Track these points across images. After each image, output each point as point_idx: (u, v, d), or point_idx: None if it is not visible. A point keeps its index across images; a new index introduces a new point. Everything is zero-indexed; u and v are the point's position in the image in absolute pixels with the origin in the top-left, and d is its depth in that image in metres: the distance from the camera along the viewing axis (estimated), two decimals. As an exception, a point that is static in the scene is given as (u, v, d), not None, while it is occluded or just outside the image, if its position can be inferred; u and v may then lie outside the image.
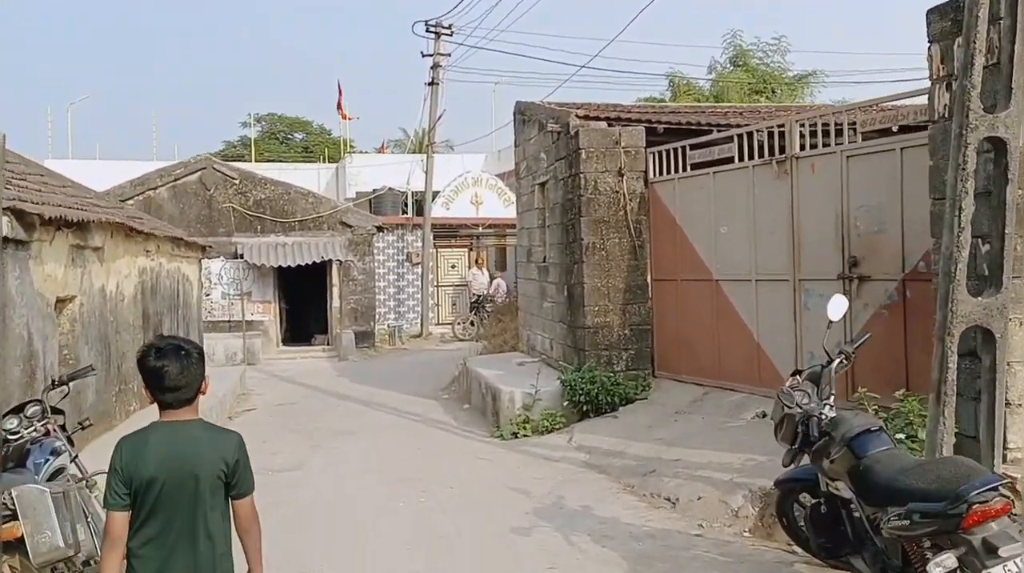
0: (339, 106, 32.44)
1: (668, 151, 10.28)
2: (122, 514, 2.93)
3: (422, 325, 22.94)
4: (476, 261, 24.04)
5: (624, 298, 10.47)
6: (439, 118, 23.66)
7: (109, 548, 2.95)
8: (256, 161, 35.30)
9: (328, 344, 20.54)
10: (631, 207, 10.47)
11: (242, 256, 19.59)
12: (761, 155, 8.93)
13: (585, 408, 9.97)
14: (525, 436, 9.92)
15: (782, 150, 8.65)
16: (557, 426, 9.94)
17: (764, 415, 8.48)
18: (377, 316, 21.73)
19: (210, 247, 15.87)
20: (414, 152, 31.59)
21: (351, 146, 37.48)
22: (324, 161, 38.36)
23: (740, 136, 9.23)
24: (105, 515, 3.03)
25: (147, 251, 10.61)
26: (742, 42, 29.28)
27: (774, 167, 8.71)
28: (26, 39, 79.25)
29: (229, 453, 3.04)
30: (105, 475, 3.05)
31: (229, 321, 19.72)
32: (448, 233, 24.46)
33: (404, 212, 26.01)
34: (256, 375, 16.26)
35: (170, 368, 2.97)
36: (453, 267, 24.79)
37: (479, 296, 22.78)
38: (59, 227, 7.31)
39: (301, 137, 52.87)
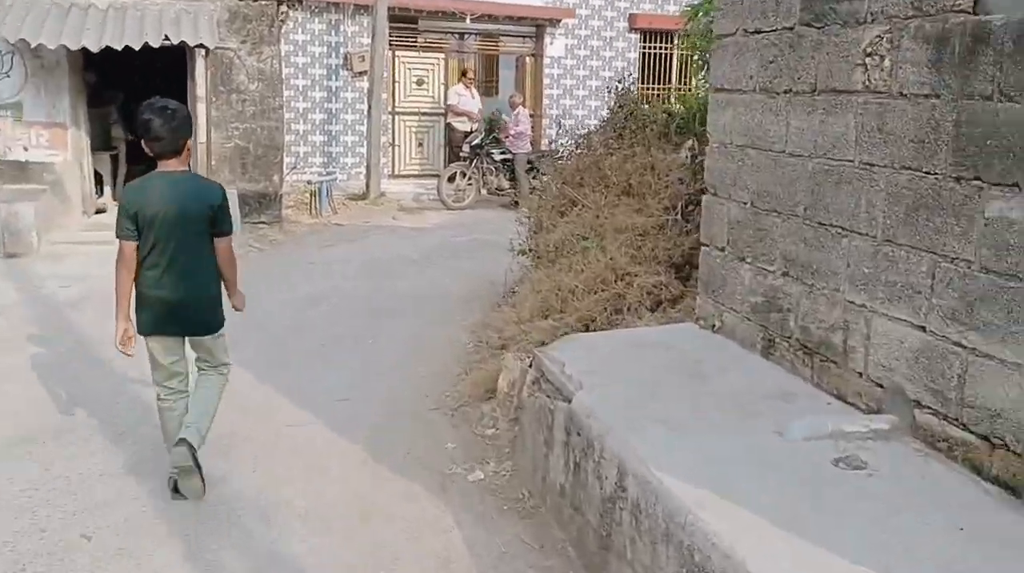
0: None
1: None
2: (131, 243, 3.62)
3: (369, 180, 13.21)
4: (463, 75, 14.28)
5: None
6: None
7: (123, 268, 3.65)
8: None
9: (195, 210, 10.76)
10: None
11: (-6, 25, 9.29)
12: None
13: None
14: None
15: None
16: None
17: None
18: (287, 162, 11.91)
19: None
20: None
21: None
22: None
23: None
24: (118, 244, 3.65)
25: None
26: None
27: None
28: None
29: (214, 198, 3.73)
30: None
31: (-12, 161, 9.74)
32: (411, 28, 14.50)
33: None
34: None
35: (154, 121, 3.59)
36: (420, 84, 14.97)
37: (473, 133, 13.17)
38: None
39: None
